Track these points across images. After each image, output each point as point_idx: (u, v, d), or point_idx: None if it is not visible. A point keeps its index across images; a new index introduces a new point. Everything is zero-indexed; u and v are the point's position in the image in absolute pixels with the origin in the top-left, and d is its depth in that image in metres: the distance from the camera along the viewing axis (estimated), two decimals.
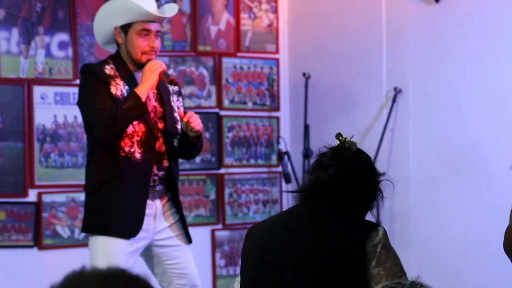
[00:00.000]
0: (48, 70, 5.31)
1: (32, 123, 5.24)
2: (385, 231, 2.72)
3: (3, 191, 5.15)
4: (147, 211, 4.04)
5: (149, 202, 4.05)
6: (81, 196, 4.99)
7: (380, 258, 2.67)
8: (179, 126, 4.18)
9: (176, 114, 4.19)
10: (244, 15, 6.07)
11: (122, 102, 3.93)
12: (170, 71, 5.77)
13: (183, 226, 4.21)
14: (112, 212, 3.98)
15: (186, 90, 5.83)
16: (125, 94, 4.01)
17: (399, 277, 2.64)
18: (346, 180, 2.80)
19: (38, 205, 5.24)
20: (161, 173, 4.09)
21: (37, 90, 5.27)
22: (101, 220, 4.00)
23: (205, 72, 5.91)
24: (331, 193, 2.80)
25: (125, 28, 4.05)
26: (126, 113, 3.89)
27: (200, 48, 5.88)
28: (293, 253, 2.72)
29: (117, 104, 3.93)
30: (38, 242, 5.24)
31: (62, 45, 5.37)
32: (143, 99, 3.94)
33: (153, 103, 4.08)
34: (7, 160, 5.17)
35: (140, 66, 4.08)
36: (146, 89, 3.97)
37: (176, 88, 4.24)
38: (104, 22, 4.10)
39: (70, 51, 5.38)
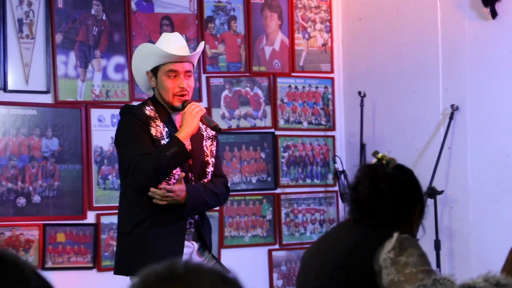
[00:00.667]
0: (105, 93, 5.37)
1: (89, 145, 5.30)
2: (401, 236, 2.72)
3: (62, 213, 5.21)
4: (185, 249, 3.95)
5: (186, 242, 3.97)
6: None
7: (398, 264, 2.69)
8: (208, 169, 4.07)
9: (208, 158, 4.06)
10: (298, 35, 6.07)
11: (165, 148, 3.84)
12: (225, 92, 5.80)
13: (215, 260, 4.12)
14: (146, 253, 3.87)
15: (242, 110, 5.85)
16: (165, 136, 3.95)
17: (420, 280, 2.60)
18: (377, 197, 2.82)
19: (96, 227, 5.28)
20: (196, 216, 4.02)
21: (94, 113, 5.33)
22: (135, 261, 3.87)
23: (260, 93, 5.92)
24: (363, 210, 2.83)
25: (155, 72, 3.99)
26: (170, 160, 3.81)
27: (255, 68, 5.90)
28: (317, 271, 2.84)
29: (160, 150, 3.85)
30: (97, 264, 5.28)
31: (118, 68, 5.43)
32: (186, 145, 3.87)
33: (188, 146, 3.96)
34: (66, 183, 5.23)
35: (173, 108, 4.00)
36: (188, 134, 3.88)
37: (212, 132, 4.10)
38: (138, 68, 4.07)
39: (126, 74, 5.43)
